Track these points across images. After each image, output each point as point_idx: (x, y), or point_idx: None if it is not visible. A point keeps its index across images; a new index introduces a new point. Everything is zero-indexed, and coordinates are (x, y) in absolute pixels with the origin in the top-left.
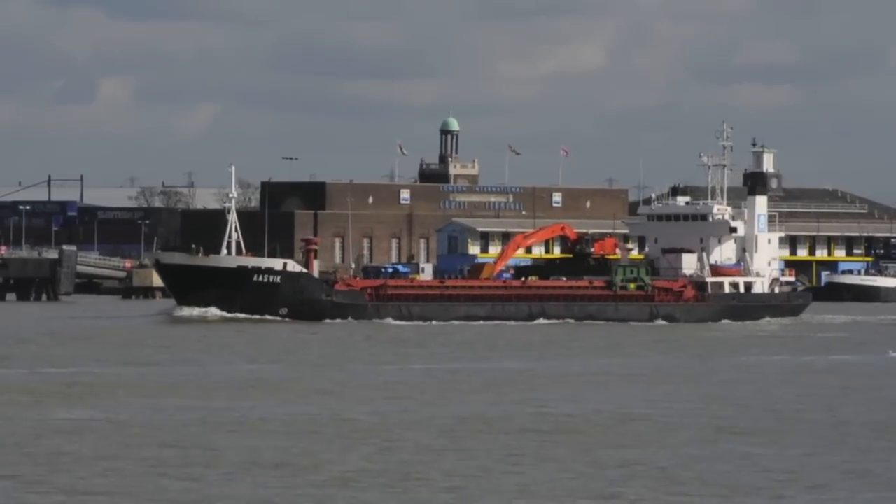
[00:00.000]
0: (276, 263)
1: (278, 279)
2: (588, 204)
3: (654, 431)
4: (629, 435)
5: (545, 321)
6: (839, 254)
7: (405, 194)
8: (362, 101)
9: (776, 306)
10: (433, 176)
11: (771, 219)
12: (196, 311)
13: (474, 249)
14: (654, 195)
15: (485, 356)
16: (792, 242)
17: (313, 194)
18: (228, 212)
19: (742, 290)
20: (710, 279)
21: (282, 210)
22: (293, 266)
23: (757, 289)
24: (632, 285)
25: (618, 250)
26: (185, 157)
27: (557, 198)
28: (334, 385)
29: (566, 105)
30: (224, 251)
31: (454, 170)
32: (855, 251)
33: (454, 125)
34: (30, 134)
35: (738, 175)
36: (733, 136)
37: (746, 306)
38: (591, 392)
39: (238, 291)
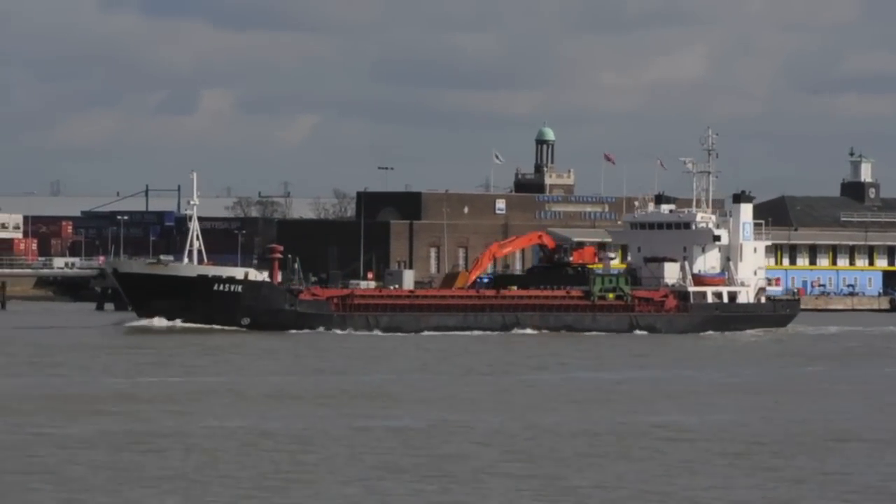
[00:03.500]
0: (238, 272)
1: (239, 288)
2: None
3: None
4: None
5: (521, 331)
6: None
7: (500, 204)
8: (460, 112)
9: (761, 316)
10: (528, 186)
11: (757, 227)
12: (157, 322)
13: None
14: (636, 203)
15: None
16: (890, 253)
17: (409, 204)
18: (190, 219)
19: (726, 299)
20: (692, 289)
21: (377, 220)
22: (255, 275)
23: (742, 298)
24: (611, 295)
25: (598, 259)
26: (282, 168)
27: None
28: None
29: (666, 115)
30: (185, 259)
31: (549, 179)
32: None
33: (550, 135)
34: (130, 145)
35: (723, 183)
36: (830, 146)
37: (730, 316)
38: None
39: (198, 301)
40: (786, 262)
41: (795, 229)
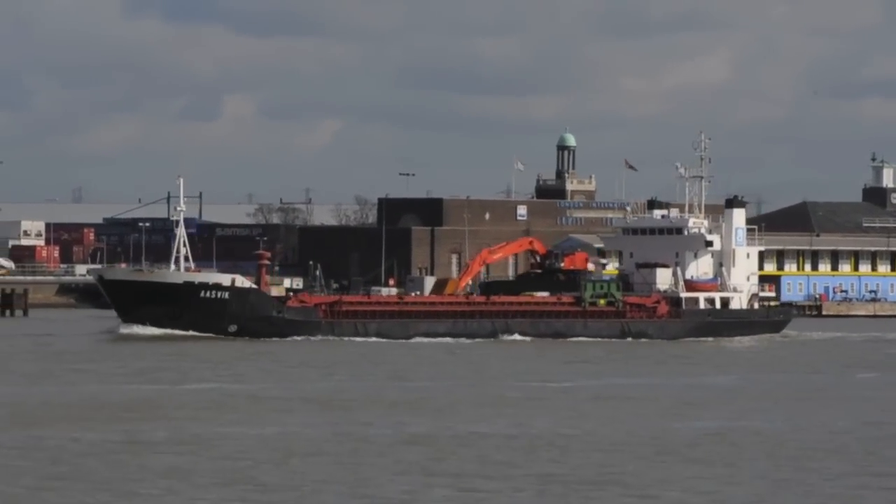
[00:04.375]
0: (224, 279)
1: (226, 295)
2: None
3: None
4: None
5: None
6: None
7: (522, 210)
8: (482, 118)
9: (755, 322)
10: (550, 192)
11: (750, 232)
12: (146, 330)
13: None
14: (628, 208)
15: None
16: None
17: (430, 210)
18: (177, 225)
19: (718, 305)
20: (684, 294)
21: (399, 226)
22: (242, 282)
23: (734, 304)
24: (602, 301)
25: (590, 265)
26: (304, 174)
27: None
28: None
29: (688, 120)
30: (172, 266)
31: (571, 185)
32: None
33: (571, 141)
34: (152, 152)
35: (716, 187)
36: (852, 151)
37: (722, 322)
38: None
39: (184, 308)
40: (808, 267)
41: (817, 235)
